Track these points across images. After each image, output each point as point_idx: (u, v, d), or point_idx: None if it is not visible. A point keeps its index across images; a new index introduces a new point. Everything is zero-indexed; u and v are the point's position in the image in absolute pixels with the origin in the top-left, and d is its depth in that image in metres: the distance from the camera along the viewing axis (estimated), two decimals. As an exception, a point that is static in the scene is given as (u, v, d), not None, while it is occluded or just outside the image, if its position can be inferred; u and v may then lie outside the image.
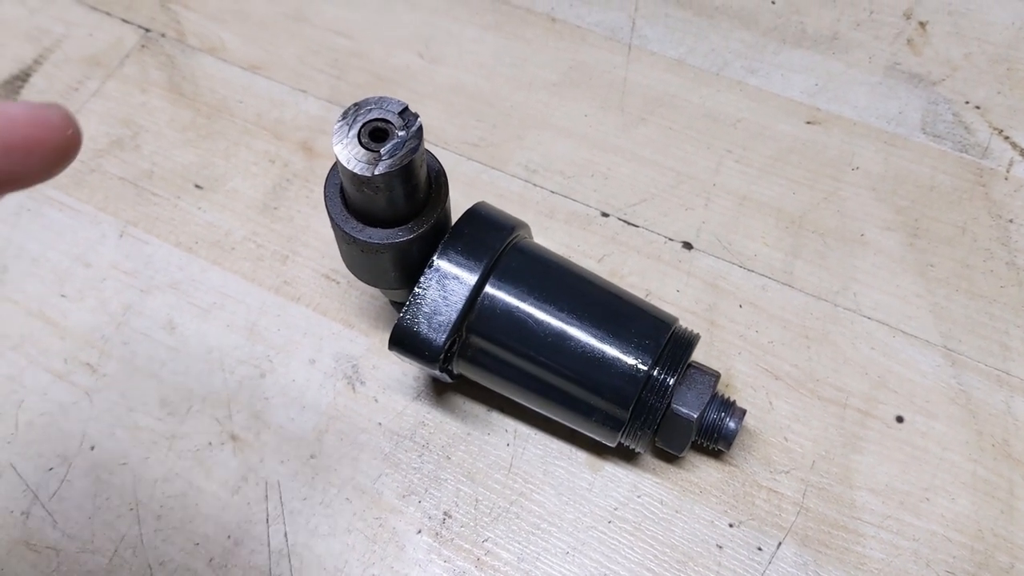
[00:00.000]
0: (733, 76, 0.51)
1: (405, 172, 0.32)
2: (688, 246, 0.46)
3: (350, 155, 0.32)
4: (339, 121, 0.32)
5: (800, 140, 0.49)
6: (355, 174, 0.31)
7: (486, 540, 0.39)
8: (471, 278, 0.36)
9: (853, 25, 0.53)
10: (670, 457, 0.41)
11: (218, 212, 0.48)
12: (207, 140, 0.50)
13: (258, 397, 0.43)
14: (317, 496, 0.40)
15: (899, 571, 0.38)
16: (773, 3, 0.54)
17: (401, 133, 0.32)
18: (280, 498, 0.40)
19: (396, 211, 0.34)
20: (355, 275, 0.39)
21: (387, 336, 0.37)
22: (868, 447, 0.41)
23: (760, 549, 0.39)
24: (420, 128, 0.32)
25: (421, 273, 0.36)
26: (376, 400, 0.42)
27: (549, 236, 0.46)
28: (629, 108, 0.50)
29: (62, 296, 0.45)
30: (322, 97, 0.51)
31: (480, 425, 0.42)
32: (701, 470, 0.40)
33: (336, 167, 0.35)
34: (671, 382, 0.36)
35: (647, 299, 0.44)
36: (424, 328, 0.36)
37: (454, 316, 0.36)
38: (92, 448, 0.41)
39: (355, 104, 0.32)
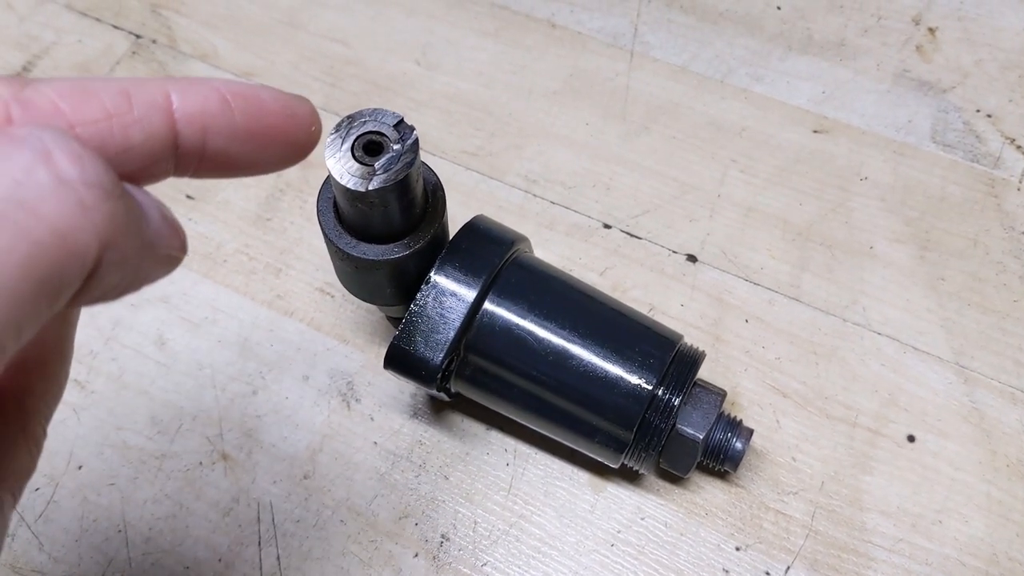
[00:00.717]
0: (738, 83, 0.50)
1: (401, 187, 0.31)
2: (692, 259, 0.45)
3: (343, 169, 0.30)
4: (332, 134, 0.31)
5: (807, 149, 0.48)
6: (348, 189, 0.30)
7: (485, 564, 0.38)
8: (469, 294, 0.35)
9: (861, 31, 0.52)
10: (674, 478, 0.39)
11: (209, 223, 0.47)
12: (199, 149, 0.49)
13: (250, 415, 0.41)
14: (310, 518, 0.39)
15: (912, 597, 0.37)
16: (778, 8, 0.53)
17: (396, 147, 0.31)
18: (272, 520, 0.39)
19: (391, 226, 0.33)
20: (350, 291, 0.37)
21: (383, 352, 0.36)
22: (879, 467, 0.39)
23: (768, 574, 0.37)
24: (416, 141, 0.31)
25: (418, 289, 0.35)
26: (372, 418, 0.41)
27: (549, 249, 0.45)
28: (631, 116, 0.49)
29: (49, 310, 0.44)
30: (316, 105, 0.50)
31: (479, 444, 0.41)
32: (707, 491, 0.39)
33: (329, 181, 0.34)
34: (676, 402, 0.35)
35: (650, 314, 0.43)
36: (421, 347, 0.35)
37: (452, 334, 0.35)
38: (80, 468, 0.40)
39: (348, 116, 0.31)
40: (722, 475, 0.39)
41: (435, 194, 0.35)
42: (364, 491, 0.40)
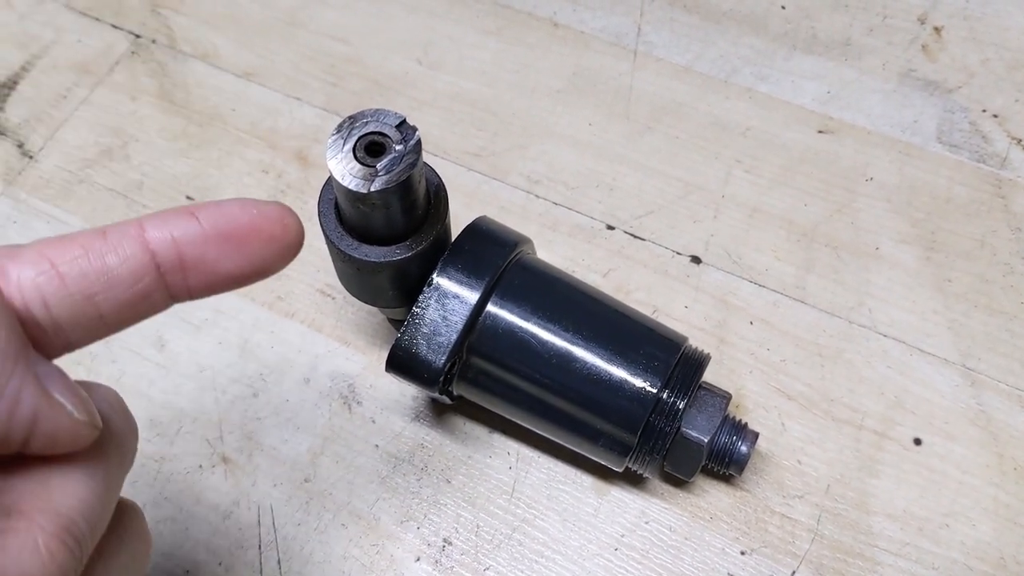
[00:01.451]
0: (742, 83, 0.50)
1: (403, 188, 0.31)
2: (696, 260, 0.45)
3: (345, 170, 0.30)
4: (333, 135, 0.31)
5: (812, 149, 0.47)
6: (350, 190, 0.30)
7: (487, 568, 0.38)
8: (472, 296, 0.35)
9: (866, 30, 0.51)
10: (679, 482, 0.39)
11: (210, 224, 0.46)
12: (199, 149, 0.48)
13: (250, 417, 0.41)
14: (312, 521, 0.39)
15: (918, 602, 0.36)
16: (783, 8, 0.52)
17: (399, 147, 0.30)
18: (273, 523, 0.39)
19: (393, 228, 0.33)
20: (351, 293, 0.37)
21: (385, 354, 0.36)
22: (885, 471, 0.39)
23: (773, 578, 0.37)
24: (418, 142, 0.31)
25: (420, 292, 0.35)
26: (373, 421, 0.41)
27: (552, 250, 0.45)
28: (635, 116, 0.49)
29: (48, 312, 0.44)
30: (317, 105, 0.50)
31: (481, 447, 0.40)
32: (711, 495, 0.39)
33: (330, 182, 0.34)
34: (681, 405, 0.35)
35: (654, 316, 0.43)
36: (423, 349, 0.34)
37: (454, 337, 0.34)
38: (78, 471, 0.40)
39: (350, 117, 0.31)
40: (727, 479, 0.39)
41: (437, 195, 0.35)
42: (365, 494, 0.39)
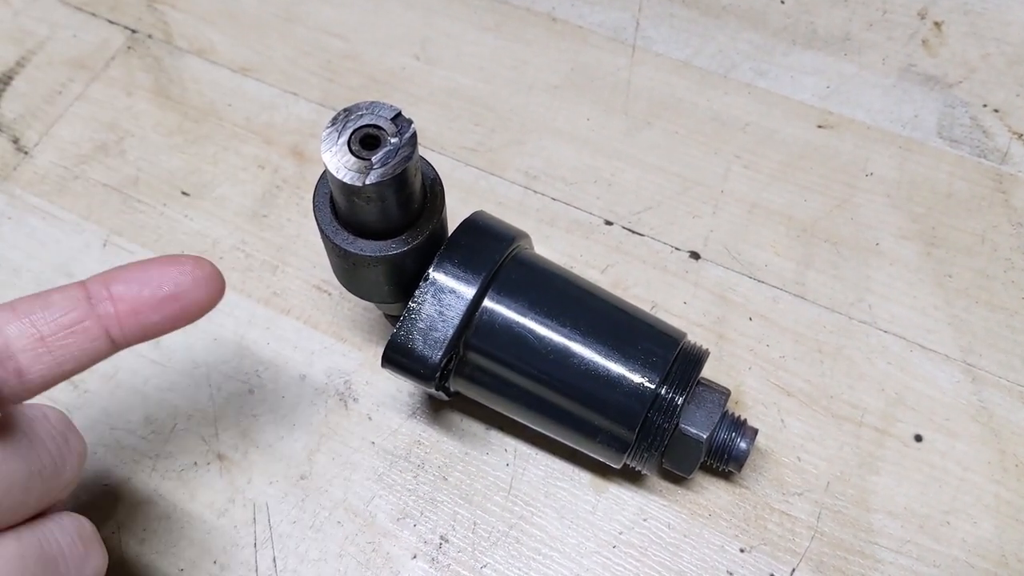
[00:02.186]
0: (741, 78, 0.49)
1: (398, 181, 0.30)
2: (695, 256, 0.44)
3: (339, 163, 0.30)
4: (328, 127, 0.30)
5: (811, 145, 0.47)
6: (345, 183, 0.30)
7: (484, 566, 0.37)
8: (469, 292, 0.34)
9: (866, 25, 0.51)
10: (678, 479, 0.39)
11: (205, 220, 0.46)
12: (194, 145, 0.48)
13: (246, 414, 0.41)
14: (307, 519, 0.39)
15: (919, 599, 0.36)
16: (782, 3, 0.52)
17: (394, 140, 0.30)
18: (268, 521, 0.39)
19: (389, 222, 0.33)
20: (347, 288, 0.37)
21: (381, 350, 0.35)
22: (885, 467, 0.39)
23: (773, 576, 0.37)
24: (414, 135, 0.30)
25: (416, 287, 0.34)
26: (369, 418, 0.41)
27: (550, 245, 0.45)
28: (633, 111, 0.49)
29: (42, 308, 0.43)
30: (314, 100, 0.49)
31: (478, 444, 0.40)
32: (710, 492, 0.39)
33: (325, 175, 0.33)
34: (679, 401, 0.35)
35: (653, 311, 0.43)
36: (419, 345, 0.34)
37: (451, 332, 0.34)
38: (72, 468, 0.40)
39: (345, 109, 0.31)
40: (726, 475, 0.39)
41: (433, 189, 0.34)
42: (362, 491, 0.39)
